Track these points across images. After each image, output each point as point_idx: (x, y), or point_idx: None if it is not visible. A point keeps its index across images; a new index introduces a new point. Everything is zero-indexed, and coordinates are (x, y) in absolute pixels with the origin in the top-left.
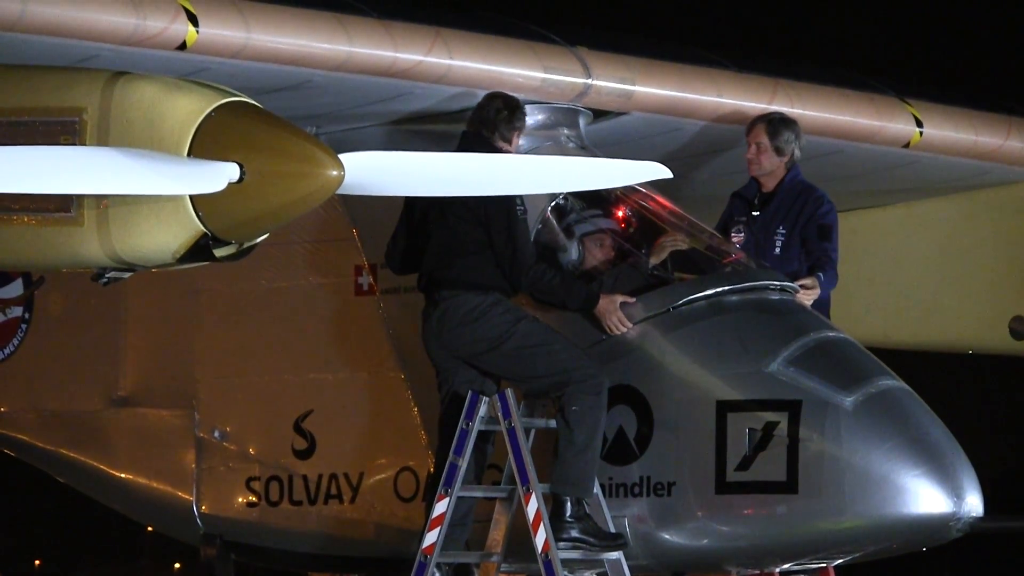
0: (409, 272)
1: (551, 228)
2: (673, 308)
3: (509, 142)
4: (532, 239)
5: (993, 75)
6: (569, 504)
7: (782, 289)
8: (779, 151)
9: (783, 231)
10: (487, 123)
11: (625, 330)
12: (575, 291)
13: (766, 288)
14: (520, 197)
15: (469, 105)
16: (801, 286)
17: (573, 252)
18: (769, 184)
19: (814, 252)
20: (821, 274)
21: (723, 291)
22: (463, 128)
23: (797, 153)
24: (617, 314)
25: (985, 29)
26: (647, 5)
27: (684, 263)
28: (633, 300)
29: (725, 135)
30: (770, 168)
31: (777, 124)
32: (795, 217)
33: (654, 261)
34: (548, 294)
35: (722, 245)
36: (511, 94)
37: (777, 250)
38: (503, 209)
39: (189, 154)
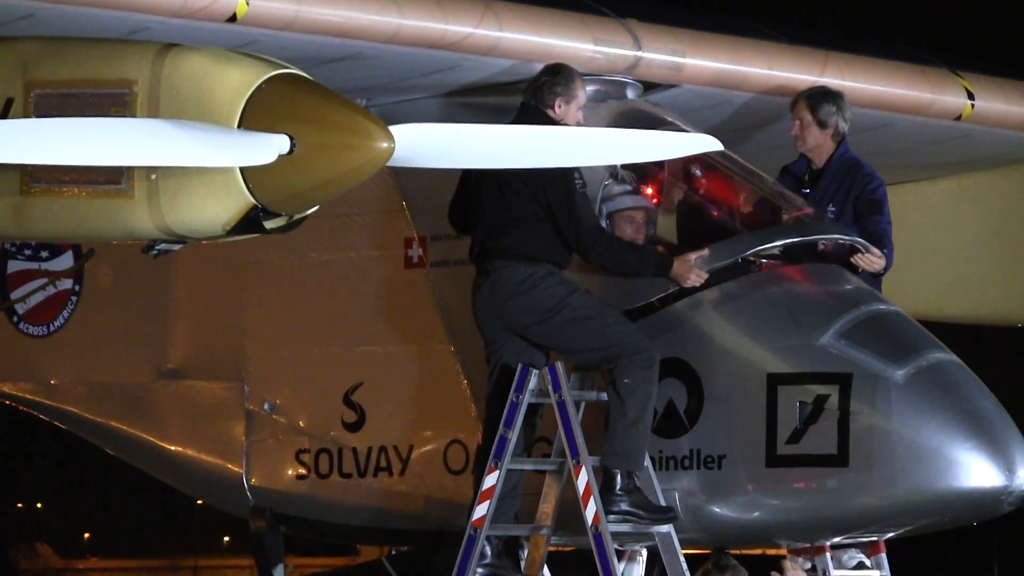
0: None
1: (613, 197)
2: (742, 258)
3: (557, 111)
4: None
5: None
6: (619, 477)
7: (851, 246)
8: (822, 124)
9: (833, 209)
10: (538, 93)
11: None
12: (647, 258)
13: (835, 242)
14: (578, 170)
15: (519, 77)
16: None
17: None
18: (818, 160)
19: (869, 227)
20: (884, 251)
21: (792, 242)
22: (513, 100)
23: (843, 125)
24: (693, 272)
25: None
26: None
27: (754, 215)
28: (704, 252)
29: (775, 108)
30: (815, 143)
31: (817, 97)
32: (845, 194)
33: (724, 213)
34: (620, 264)
35: (791, 199)
36: (566, 64)
37: None
38: (562, 184)
39: (239, 126)
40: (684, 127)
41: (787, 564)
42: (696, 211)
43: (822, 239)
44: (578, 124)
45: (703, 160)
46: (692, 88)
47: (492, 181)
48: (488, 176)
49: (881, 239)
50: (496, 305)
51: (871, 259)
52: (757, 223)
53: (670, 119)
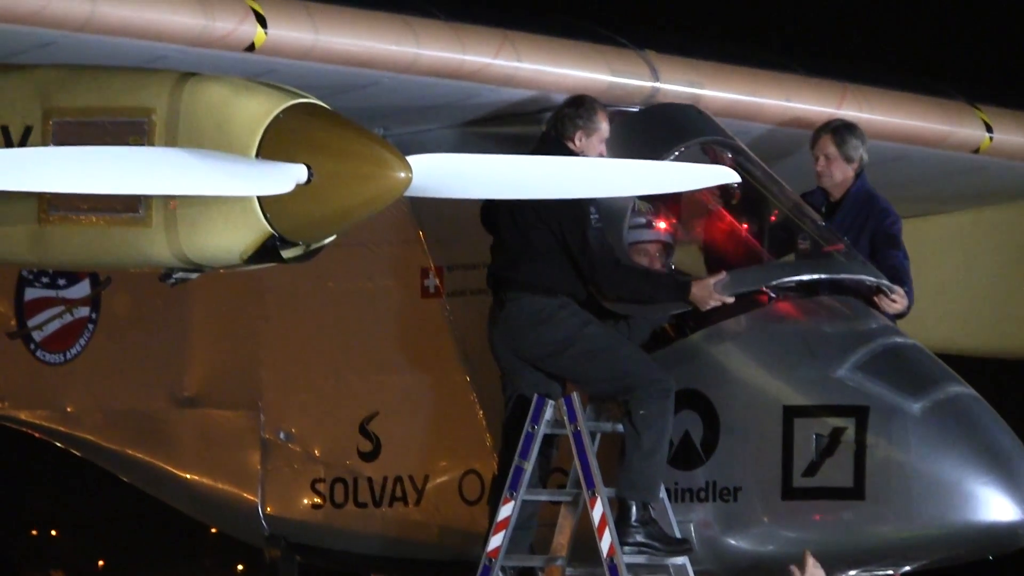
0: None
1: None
2: (767, 287)
3: (578, 143)
4: (620, 238)
5: None
6: (635, 508)
7: (878, 288)
8: (848, 159)
9: (846, 240)
10: (559, 125)
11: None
12: (663, 286)
13: (861, 282)
14: (595, 204)
15: (537, 108)
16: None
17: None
18: (836, 193)
19: (887, 262)
20: (904, 288)
21: (818, 279)
22: (530, 130)
23: (865, 158)
24: (713, 298)
25: None
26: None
27: (783, 242)
28: (724, 276)
29: (792, 139)
30: (841, 177)
31: (843, 132)
32: (860, 227)
33: (753, 236)
34: (636, 294)
35: (824, 232)
36: (589, 96)
37: None
38: (575, 219)
39: (257, 155)
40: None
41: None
42: (725, 231)
43: (848, 279)
44: (600, 156)
45: (744, 184)
46: None
47: (508, 211)
48: (504, 206)
49: (900, 275)
50: (511, 336)
51: (893, 303)
52: (785, 251)
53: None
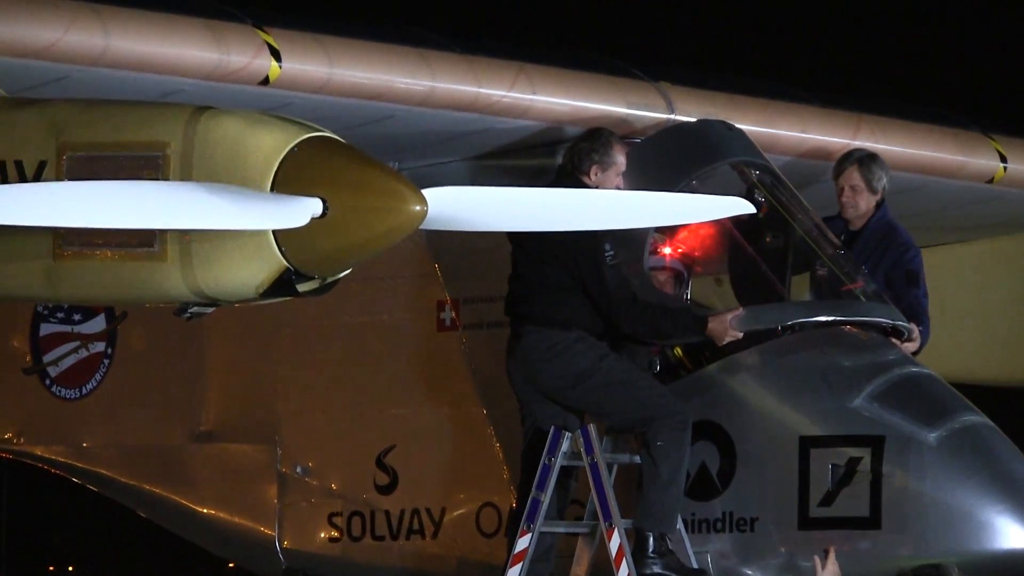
0: None
1: (649, 262)
2: (782, 328)
3: (594, 178)
4: (640, 269)
5: None
6: (652, 539)
7: (894, 329)
8: (873, 190)
9: (865, 271)
10: (575, 159)
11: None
12: (680, 322)
13: (877, 325)
14: (611, 241)
15: (552, 140)
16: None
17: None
18: (858, 223)
19: (905, 299)
20: (920, 327)
21: (834, 320)
22: (546, 163)
23: (887, 187)
24: (729, 334)
25: None
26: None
27: (804, 268)
28: (741, 311)
29: (809, 170)
30: (865, 208)
31: (869, 163)
32: (878, 259)
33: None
34: (654, 331)
35: (846, 265)
36: (606, 129)
37: None
38: (591, 257)
39: (272, 189)
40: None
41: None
42: (748, 263)
43: (866, 321)
44: (618, 188)
45: (770, 207)
46: None
47: (524, 245)
48: (520, 240)
49: (918, 314)
50: (528, 370)
51: (907, 343)
52: (807, 289)
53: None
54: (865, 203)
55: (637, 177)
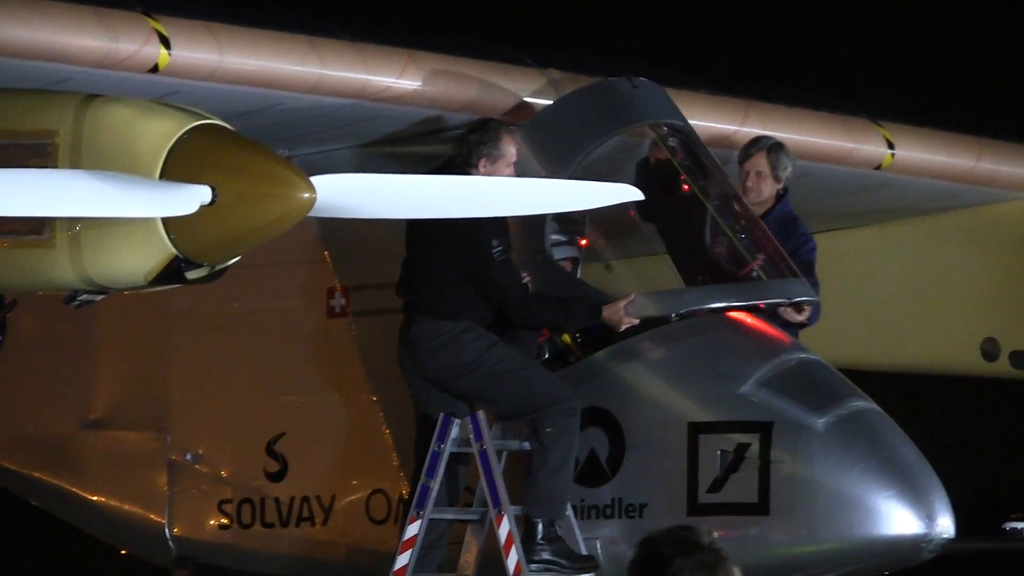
0: None
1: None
2: (676, 316)
3: (483, 170)
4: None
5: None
6: (541, 526)
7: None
8: (777, 179)
9: (773, 244)
10: (463, 151)
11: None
12: (573, 312)
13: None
14: (499, 235)
15: (441, 127)
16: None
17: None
18: (758, 209)
19: None
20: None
21: (727, 307)
22: (436, 149)
23: (790, 177)
24: (624, 321)
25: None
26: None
27: (702, 263)
28: (633, 297)
29: None
30: (768, 195)
31: (777, 151)
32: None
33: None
34: (548, 323)
35: (746, 245)
36: (495, 120)
37: None
38: (478, 256)
39: (161, 176)
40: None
41: None
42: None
43: (763, 303)
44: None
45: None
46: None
47: (414, 235)
48: (412, 229)
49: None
50: (417, 359)
51: (797, 314)
52: (708, 272)
53: None
54: (768, 190)
55: (544, 144)
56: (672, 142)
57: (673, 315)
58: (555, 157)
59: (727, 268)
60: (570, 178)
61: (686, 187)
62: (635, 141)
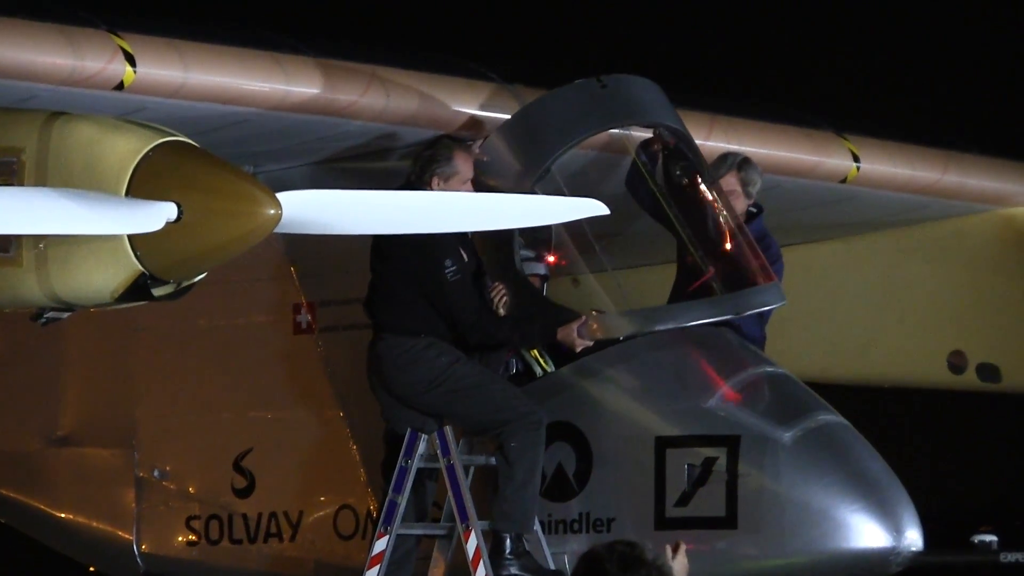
0: None
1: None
2: (623, 339)
3: (436, 188)
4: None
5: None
6: (508, 541)
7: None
8: (748, 195)
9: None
10: (417, 168)
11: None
12: (529, 333)
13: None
14: (452, 257)
15: (407, 143)
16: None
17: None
18: None
19: None
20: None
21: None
22: (401, 165)
23: (759, 192)
24: (578, 343)
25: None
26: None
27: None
28: (585, 319)
29: None
30: (740, 211)
31: (747, 167)
32: None
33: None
34: (504, 343)
35: (700, 261)
36: (447, 137)
37: None
38: (431, 277)
39: (127, 194)
40: None
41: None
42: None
43: (720, 320)
44: None
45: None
46: (580, 152)
47: (376, 253)
48: (375, 247)
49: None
50: (382, 376)
51: None
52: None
53: None
54: (739, 207)
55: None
56: (651, 148)
57: (621, 337)
58: (523, 164)
59: (687, 281)
60: (541, 183)
61: (657, 196)
62: (605, 146)
